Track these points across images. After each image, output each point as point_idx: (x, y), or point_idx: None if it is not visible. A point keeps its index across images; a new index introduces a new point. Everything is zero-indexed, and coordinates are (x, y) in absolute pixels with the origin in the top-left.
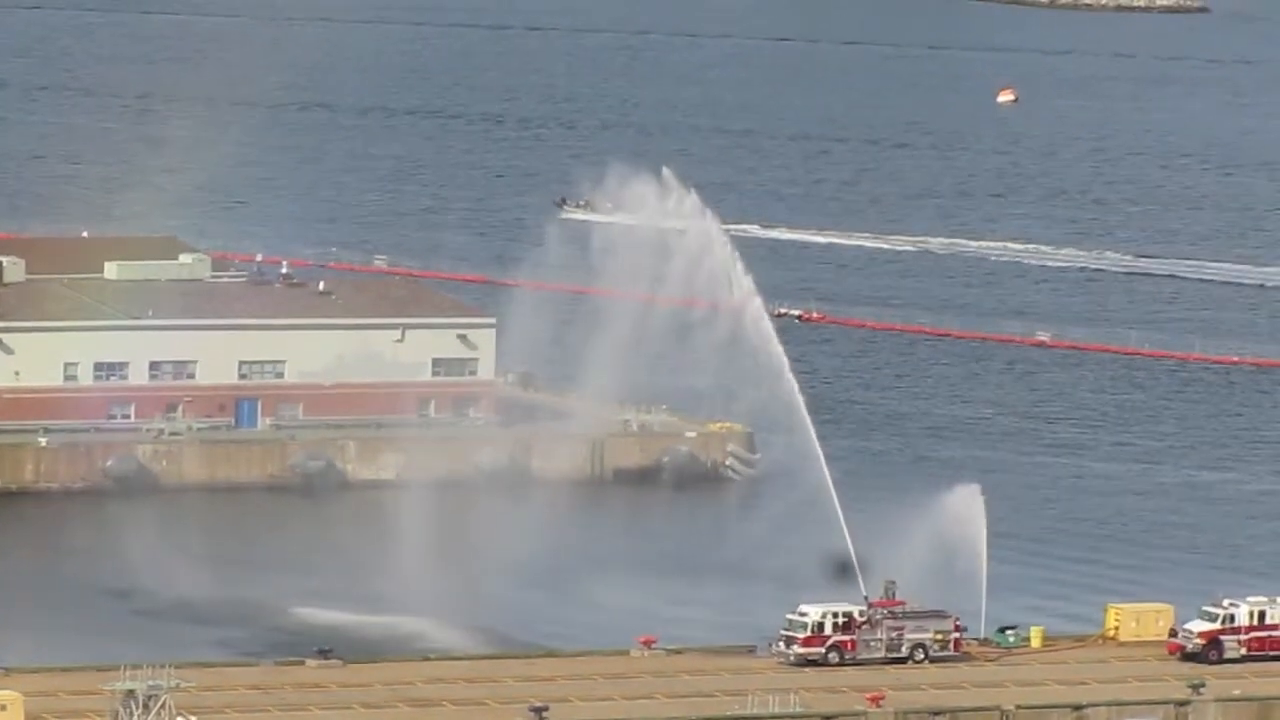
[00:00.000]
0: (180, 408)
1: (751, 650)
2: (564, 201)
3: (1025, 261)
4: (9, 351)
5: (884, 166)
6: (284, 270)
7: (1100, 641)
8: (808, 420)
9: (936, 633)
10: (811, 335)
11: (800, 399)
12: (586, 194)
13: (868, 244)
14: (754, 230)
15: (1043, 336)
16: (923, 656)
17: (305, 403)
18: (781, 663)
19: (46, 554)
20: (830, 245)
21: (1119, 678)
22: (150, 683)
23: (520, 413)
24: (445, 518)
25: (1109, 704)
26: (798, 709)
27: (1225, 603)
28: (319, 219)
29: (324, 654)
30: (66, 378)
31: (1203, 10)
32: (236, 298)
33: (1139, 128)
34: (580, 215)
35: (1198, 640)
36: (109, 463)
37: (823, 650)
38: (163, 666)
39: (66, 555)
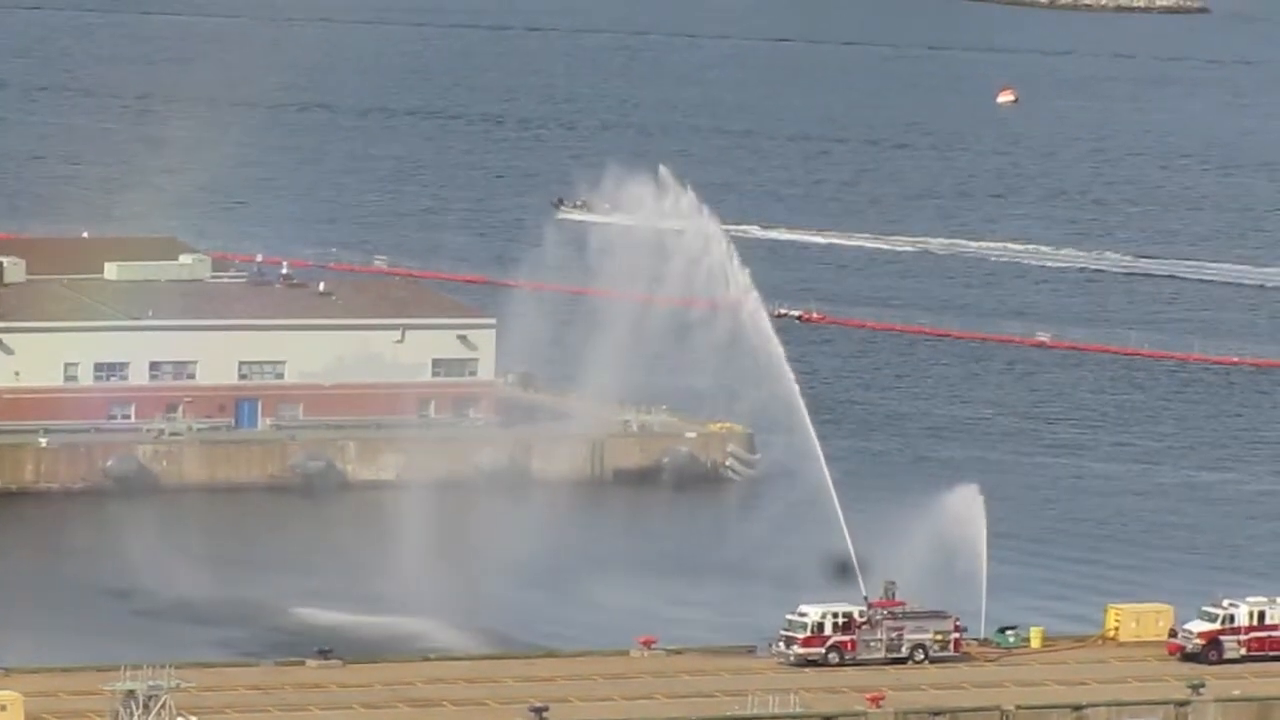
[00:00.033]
0: (180, 408)
1: (751, 650)
2: (561, 202)
3: (1025, 262)
4: (9, 352)
5: (884, 167)
6: (284, 271)
7: (1100, 642)
8: (808, 420)
9: (936, 633)
10: (811, 336)
11: (795, 386)
12: (583, 194)
13: (868, 244)
14: (754, 231)
15: (1042, 337)
16: (923, 657)
17: (305, 403)
18: (781, 663)
19: (47, 554)
20: (830, 246)
21: (1119, 678)
22: (150, 683)
23: (520, 413)
24: (445, 518)
25: (1109, 704)
26: (798, 709)
27: (1225, 603)
28: (319, 220)
29: (324, 654)
30: (67, 378)
31: (1203, 11)
32: (237, 298)
33: (1139, 128)
34: (577, 215)
35: (1197, 640)
36: (109, 463)
37: (823, 650)
38: (163, 667)
39: (67, 556)
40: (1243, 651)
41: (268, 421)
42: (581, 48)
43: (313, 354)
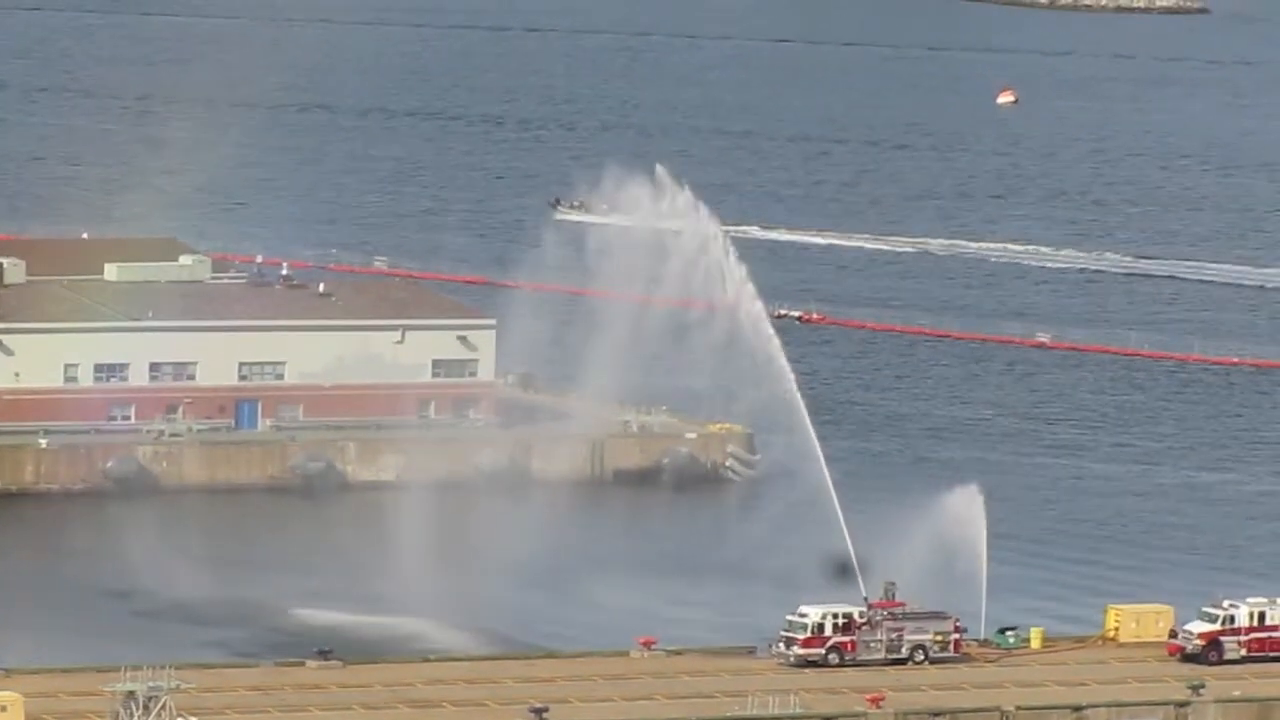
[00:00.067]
0: (180, 409)
1: (751, 651)
2: (558, 202)
3: (1025, 263)
4: (9, 353)
5: (884, 168)
6: (284, 271)
7: (1100, 642)
8: (808, 421)
9: (936, 634)
10: (811, 336)
11: (792, 376)
12: (581, 195)
13: (868, 245)
14: (754, 231)
15: (1042, 338)
16: (923, 657)
17: (305, 404)
18: (781, 664)
19: (47, 555)
20: (830, 246)
21: (1119, 679)
22: (150, 684)
23: (520, 414)
24: (445, 519)
25: (1109, 705)
26: (797, 710)
27: (1225, 604)
28: (319, 220)
29: (324, 655)
30: (67, 379)
31: (1203, 11)
32: (236, 299)
33: (1139, 129)
34: (575, 216)
35: (1197, 641)
36: (109, 464)
37: (823, 651)
38: (163, 668)
39: (67, 556)
40: (1243, 652)
41: (268, 422)
42: (581, 48)
43: (313, 355)
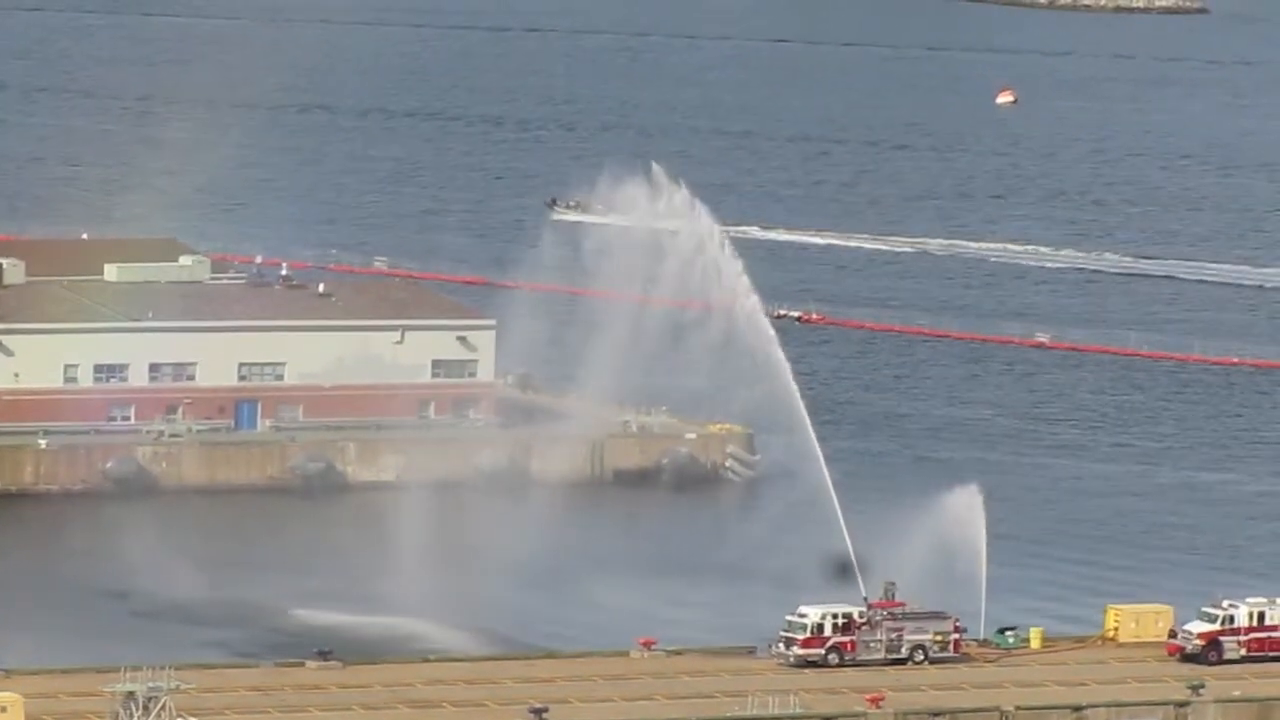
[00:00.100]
0: (180, 409)
1: (751, 651)
2: (554, 202)
3: (1024, 263)
4: (9, 353)
5: (883, 168)
6: (284, 272)
7: (1100, 642)
8: (807, 421)
9: (936, 634)
10: (811, 336)
11: (787, 367)
12: (578, 195)
13: (867, 245)
14: (754, 232)
15: (1042, 338)
16: (922, 658)
17: (305, 404)
18: (781, 664)
19: (46, 556)
20: (829, 246)
21: (1119, 679)
22: (150, 684)
23: (520, 414)
24: (445, 519)
25: (1109, 705)
26: (797, 710)
27: (1225, 604)
28: (318, 221)
29: (324, 655)
30: (66, 379)
31: (1202, 11)
32: (236, 299)
33: (1138, 129)
34: (572, 216)
35: (1197, 641)
36: (109, 464)
37: (822, 651)
38: (163, 668)
39: (66, 557)
40: (1242, 652)
41: (267, 423)
42: (581, 49)
43: (312, 355)
